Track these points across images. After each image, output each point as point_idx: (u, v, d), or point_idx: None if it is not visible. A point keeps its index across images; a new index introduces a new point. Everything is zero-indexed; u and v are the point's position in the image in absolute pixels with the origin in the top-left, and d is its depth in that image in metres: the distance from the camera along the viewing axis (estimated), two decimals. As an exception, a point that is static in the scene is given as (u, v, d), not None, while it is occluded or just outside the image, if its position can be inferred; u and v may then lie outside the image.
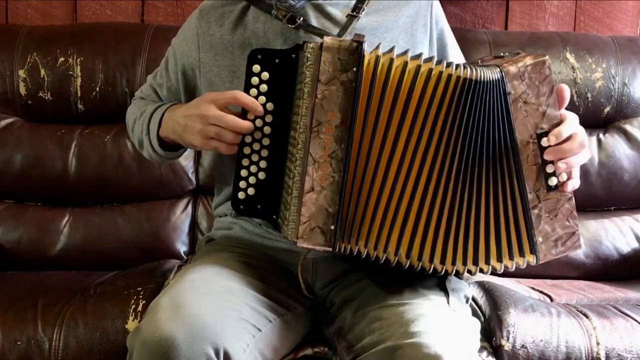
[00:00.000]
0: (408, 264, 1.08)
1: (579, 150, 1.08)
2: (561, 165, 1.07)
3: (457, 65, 1.06)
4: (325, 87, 1.05)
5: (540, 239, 1.09)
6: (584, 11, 2.07)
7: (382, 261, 1.08)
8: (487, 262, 1.09)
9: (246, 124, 1.13)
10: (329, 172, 1.06)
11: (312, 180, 1.06)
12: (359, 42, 1.04)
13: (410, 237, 1.07)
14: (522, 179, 1.07)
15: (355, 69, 1.04)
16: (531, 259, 1.10)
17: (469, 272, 1.10)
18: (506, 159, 1.07)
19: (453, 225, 1.07)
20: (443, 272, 1.10)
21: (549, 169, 1.08)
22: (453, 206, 1.07)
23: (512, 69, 1.06)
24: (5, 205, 1.77)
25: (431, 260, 1.08)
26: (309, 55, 1.07)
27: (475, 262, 1.09)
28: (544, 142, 1.07)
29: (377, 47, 1.06)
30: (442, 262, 1.08)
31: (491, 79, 1.05)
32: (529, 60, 1.06)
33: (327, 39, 1.05)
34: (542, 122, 1.07)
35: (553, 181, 1.08)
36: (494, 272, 1.12)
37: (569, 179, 1.09)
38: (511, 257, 1.10)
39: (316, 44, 1.07)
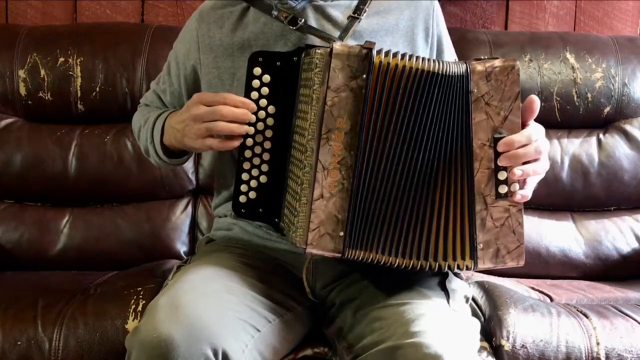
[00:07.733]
0: (398, 262, 1.07)
1: (536, 156, 1.06)
2: (517, 171, 1.04)
3: (423, 59, 1.04)
4: (335, 94, 1.04)
5: (481, 245, 1.06)
6: (584, 11, 2.07)
7: (382, 263, 1.07)
8: (436, 259, 1.06)
9: (241, 110, 1.12)
10: (339, 178, 1.05)
11: (321, 187, 1.05)
12: (369, 48, 1.03)
13: (397, 236, 1.06)
14: (472, 181, 1.05)
15: (365, 75, 1.03)
16: (470, 264, 1.07)
17: (449, 267, 1.08)
18: (460, 157, 1.05)
19: (414, 221, 1.06)
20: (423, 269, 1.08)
21: (501, 175, 1.05)
22: (414, 202, 1.06)
23: (479, 67, 1.04)
24: (5, 205, 1.76)
25: (409, 257, 1.06)
26: (317, 61, 1.05)
27: (429, 259, 1.07)
28: (499, 147, 1.04)
29: (380, 51, 1.05)
30: (418, 257, 1.07)
31: (455, 73, 1.04)
32: (498, 62, 1.04)
33: (337, 45, 1.04)
34: (501, 126, 1.05)
35: (503, 189, 1.05)
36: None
37: (520, 189, 1.06)
38: (454, 258, 1.07)
39: (325, 50, 1.05)
